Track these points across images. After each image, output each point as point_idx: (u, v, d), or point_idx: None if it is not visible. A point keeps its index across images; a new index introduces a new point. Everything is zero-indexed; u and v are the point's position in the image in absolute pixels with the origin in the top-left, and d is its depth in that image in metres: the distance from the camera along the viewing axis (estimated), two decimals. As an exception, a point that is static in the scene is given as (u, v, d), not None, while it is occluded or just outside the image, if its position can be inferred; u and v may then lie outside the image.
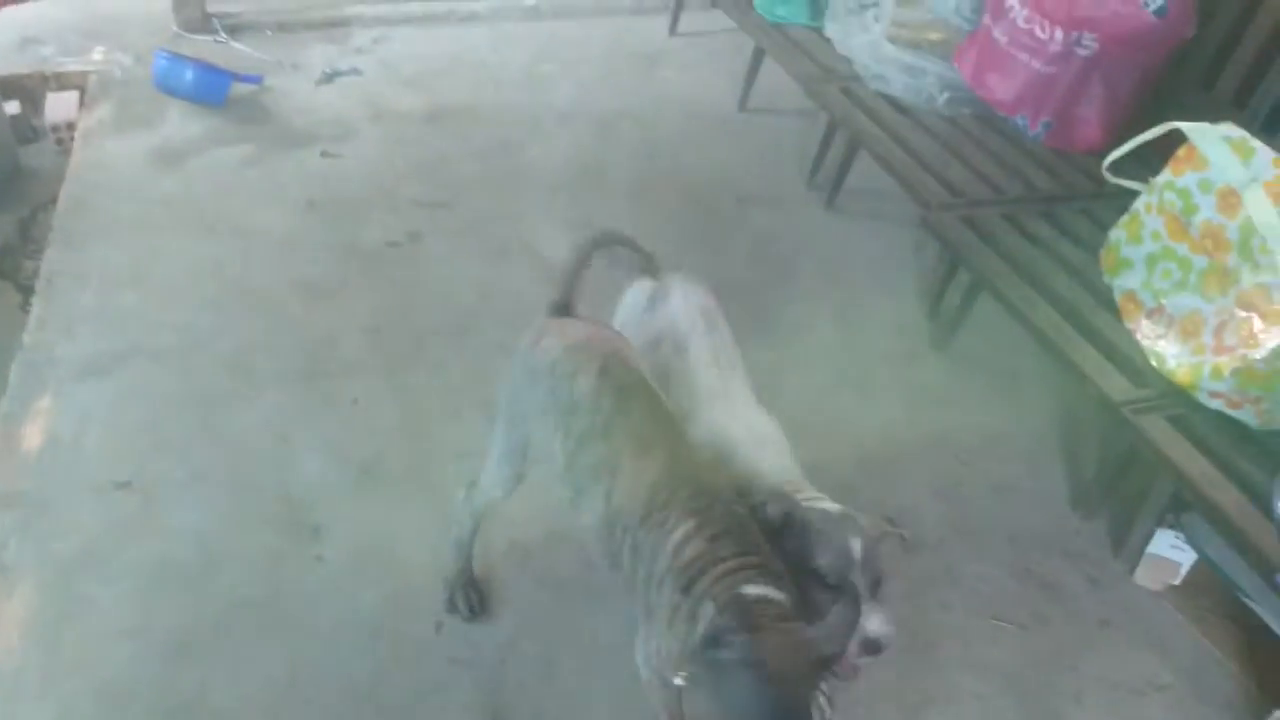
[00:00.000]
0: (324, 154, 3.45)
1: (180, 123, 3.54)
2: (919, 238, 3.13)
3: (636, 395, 1.60)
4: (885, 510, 2.20)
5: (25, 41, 3.91)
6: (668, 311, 1.86)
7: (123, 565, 2.09)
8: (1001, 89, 2.95)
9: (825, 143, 3.49)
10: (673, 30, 4.55)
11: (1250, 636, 2.12)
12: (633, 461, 1.54)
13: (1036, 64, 2.84)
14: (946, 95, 3.08)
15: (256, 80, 3.76)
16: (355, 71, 3.97)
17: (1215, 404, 2.05)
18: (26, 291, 2.78)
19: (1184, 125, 2.18)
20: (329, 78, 3.91)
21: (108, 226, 3.00)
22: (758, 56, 3.79)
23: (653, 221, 3.24)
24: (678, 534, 1.46)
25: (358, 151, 3.51)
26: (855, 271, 3.17)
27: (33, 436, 2.34)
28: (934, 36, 3.17)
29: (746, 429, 1.75)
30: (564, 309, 1.78)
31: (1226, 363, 2.00)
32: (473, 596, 2.06)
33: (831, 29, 3.42)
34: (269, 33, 4.18)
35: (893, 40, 3.18)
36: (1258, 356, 1.95)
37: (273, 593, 2.07)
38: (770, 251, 3.20)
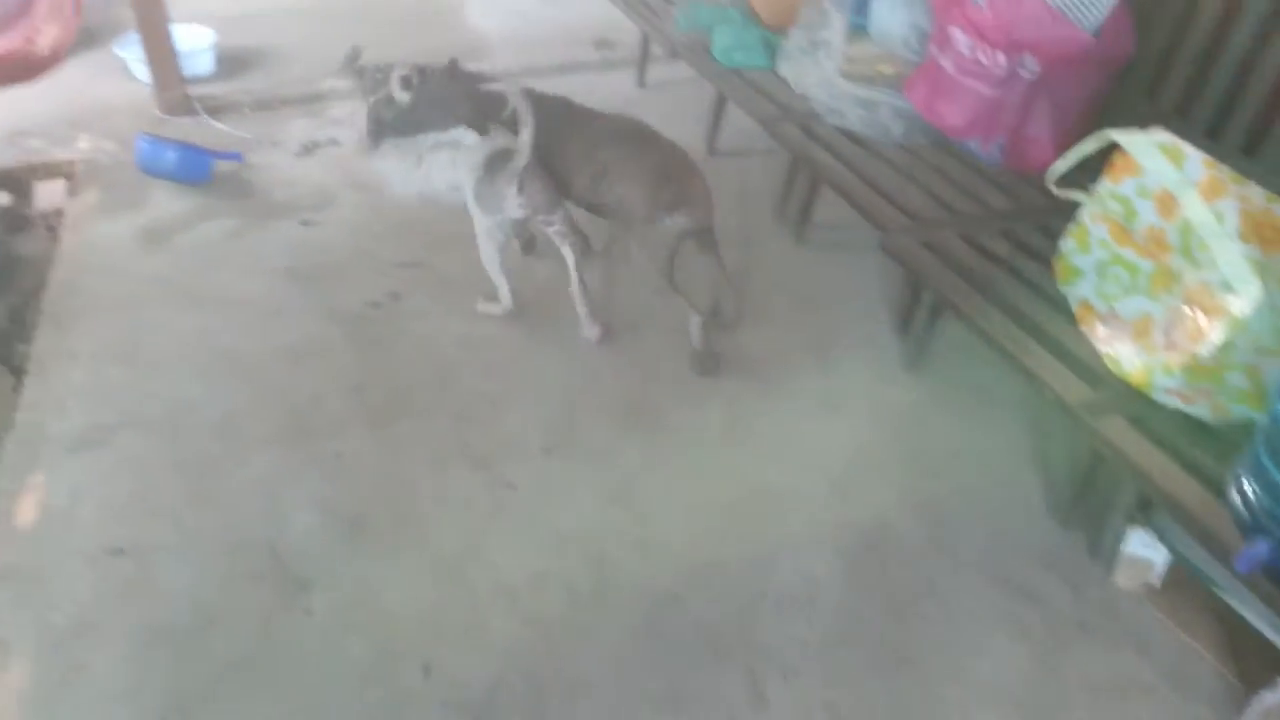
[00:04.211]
0: (304, 222, 3.55)
1: (165, 202, 3.64)
2: (886, 264, 3.21)
3: None
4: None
5: (14, 135, 4.04)
6: None
7: (117, 631, 2.13)
8: (952, 115, 3.04)
9: (790, 180, 3.58)
10: (640, 82, 4.69)
11: (1227, 629, 2.15)
12: None
13: (983, 89, 2.94)
14: (901, 126, 3.18)
15: (238, 157, 3.87)
16: (333, 142, 4.09)
17: (1170, 401, 2.10)
18: (19, 373, 2.85)
19: (1115, 133, 2.25)
20: (308, 150, 4.03)
21: (97, 306, 3.09)
22: (720, 102, 3.91)
23: (626, 268, 3.33)
24: None
25: (337, 218, 3.61)
26: (826, 301, 3.25)
27: (26, 511, 2.39)
28: (885, 70, 3.27)
29: None
30: None
31: (1176, 359, 2.06)
32: None
33: (785, 69, 3.52)
34: (248, 111, 4.31)
35: (846, 76, 3.29)
36: (1204, 351, 2.00)
37: (264, 649, 2.11)
38: (743, 288, 3.27)
